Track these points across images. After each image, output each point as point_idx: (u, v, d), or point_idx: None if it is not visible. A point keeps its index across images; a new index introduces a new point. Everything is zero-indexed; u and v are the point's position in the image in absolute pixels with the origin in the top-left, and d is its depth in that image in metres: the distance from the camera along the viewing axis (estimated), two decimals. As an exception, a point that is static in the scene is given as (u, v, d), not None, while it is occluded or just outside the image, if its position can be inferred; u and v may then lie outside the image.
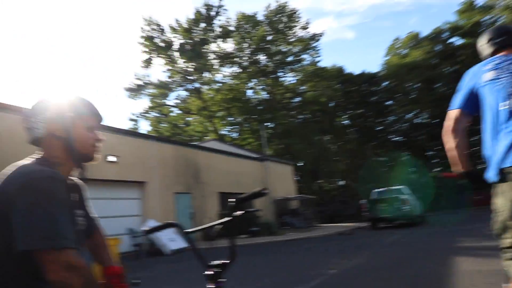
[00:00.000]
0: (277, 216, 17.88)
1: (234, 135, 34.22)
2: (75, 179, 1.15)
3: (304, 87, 32.60)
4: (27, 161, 0.99)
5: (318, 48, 31.72)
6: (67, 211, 0.90)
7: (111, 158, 10.23)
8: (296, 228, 16.74)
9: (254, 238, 12.25)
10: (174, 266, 7.43)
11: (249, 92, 34.46)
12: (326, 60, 51.92)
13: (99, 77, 54.65)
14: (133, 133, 13.57)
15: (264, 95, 33.96)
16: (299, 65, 31.97)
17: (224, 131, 34.26)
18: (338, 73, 32.02)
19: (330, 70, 32.07)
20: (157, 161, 12.10)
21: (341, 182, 32.51)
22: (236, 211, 1.09)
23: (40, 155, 1.02)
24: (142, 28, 29.67)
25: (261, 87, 33.54)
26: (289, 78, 33.20)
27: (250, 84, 32.99)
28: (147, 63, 30.60)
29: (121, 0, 48.26)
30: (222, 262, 1.16)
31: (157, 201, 11.64)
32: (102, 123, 1.14)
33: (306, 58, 32.21)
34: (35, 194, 0.85)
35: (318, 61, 32.77)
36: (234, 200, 1.10)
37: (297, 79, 32.65)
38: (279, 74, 32.33)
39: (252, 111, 28.09)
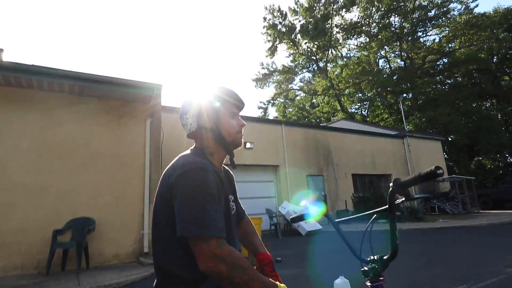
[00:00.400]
0: (423, 200, 15.85)
1: (365, 112, 31.97)
2: (226, 167, 1.26)
3: (453, 45, 26.96)
4: (186, 152, 1.11)
5: (471, -8, 25.42)
6: (217, 200, 0.95)
7: (248, 145, 11.31)
8: (449, 214, 14.41)
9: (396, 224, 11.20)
10: (310, 246, 7.63)
11: (381, 63, 31.28)
12: (485, 4, 41.16)
13: (227, 71, 60.97)
14: (263, 120, 14.50)
15: (399, 63, 30.11)
16: (446, 18, 26.45)
17: (352, 109, 32.49)
18: (504, 17, 24.56)
19: (492, 15, 25.19)
20: (287, 145, 12.59)
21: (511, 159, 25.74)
22: (395, 197, 0.92)
23: (196, 146, 1.14)
24: (264, 18, 31.07)
25: (395, 54, 29.81)
26: (431, 37, 28.16)
27: (381, 53, 29.78)
28: (271, 51, 31.93)
29: (245, -6, 51.74)
30: (381, 257, 1.03)
31: (289, 184, 12.17)
32: (243, 108, 1.20)
33: (456, 7, 26.39)
34: (188, 184, 0.93)
35: (474, 7, 26.24)
36: (394, 183, 0.92)
37: (442, 37, 27.29)
38: (418, 34, 27.76)
39: (386, 83, 25.30)
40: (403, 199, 0.96)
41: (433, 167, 0.81)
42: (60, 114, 6.08)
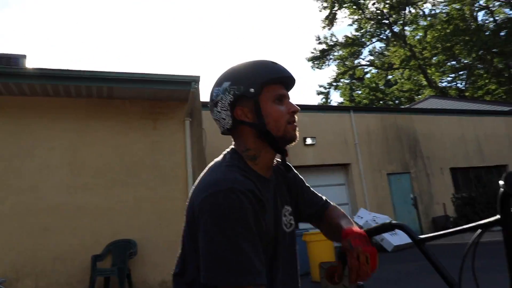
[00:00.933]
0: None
1: (462, 85, 29.44)
2: (280, 166, 1.18)
3: None
4: (218, 158, 1.05)
5: None
6: (253, 233, 0.89)
7: (308, 141, 11.06)
8: None
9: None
10: (399, 267, 7.16)
11: (481, 16, 28.48)
12: None
13: (279, 51, 60.79)
14: (326, 107, 14.13)
15: (508, 13, 27.07)
16: None
17: (444, 82, 30.16)
18: None
19: None
20: (360, 137, 12.07)
21: None
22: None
23: (232, 147, 1.07)
24: (318, -21, 30.24)
25: (500, 1, 26.85)
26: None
27: (481, 3, 27.06)
28: (330, 20, 31.00)
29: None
30: None
31: (365, 186, 11.66)
32: (293, 85, 1.11)
33: None
34: (215, 214, 0.87)
35: None
36: (507, 181, 0.75)
37: None
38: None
39: (490, 42, 22.91)
40: None
41: None
42: (90, 123, 6.50)
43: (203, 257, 0.87)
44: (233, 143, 1.08)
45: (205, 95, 13.40)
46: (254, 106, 1.01)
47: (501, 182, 0.75)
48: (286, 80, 1.07)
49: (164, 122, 6.99)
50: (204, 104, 8.82)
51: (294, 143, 1.06)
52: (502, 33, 24.92)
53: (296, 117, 1.06)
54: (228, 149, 1.07)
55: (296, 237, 1.16)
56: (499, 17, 27.55)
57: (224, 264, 0.83)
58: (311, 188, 1.29)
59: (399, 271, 6.83)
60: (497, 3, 27.28)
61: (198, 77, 6.62)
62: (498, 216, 0.83)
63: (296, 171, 1.25)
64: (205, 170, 1.01)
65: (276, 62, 1.07)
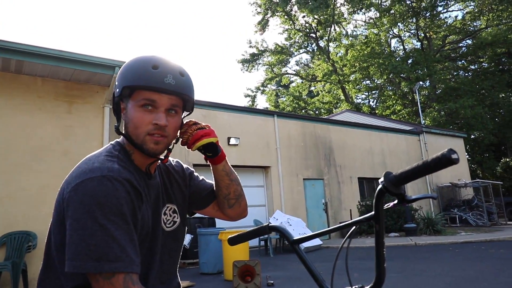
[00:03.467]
0: (442, 209, 16.14)
1: (373, 103, 32.34)
2: (173, 162, 1.20)
3: (478, 23, 27.49)
4: (101, 149, 1.01)
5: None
6: (126, 220, 0.86)
7: (232, 141, 11.12)
8: (472, 226, 14.73)
9: (410, 238, 11.34)
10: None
11: (393, 43, 31.61)
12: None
13: (208, 51, 60.51)
14: (251, 110, 14.36)
15: (415, 44, 30.51)
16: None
17: (358, 99, 32.83)
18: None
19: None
20: (281, 141, 12.49)
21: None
22: (387, 200, 0.78)
23: (117, 140, 1.06)
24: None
25: (410, 33, 30.17)
26: (454, 12, 28.68)
27: (394, 31, 30.09)
28: (262, 26, 31.77)
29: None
30: (362, 287, 0.93)
31: (283, 189, 12.10)
32: (171, 91, 0.95)
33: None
34: (85, 201, 0.83)
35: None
36: (385, 178, 0.79)
37: (466, 13, 27.79)
38: (438, 9, 28.14)
39: (399, 67, 25.61)
40: (395, 202, 0.83)
41: (446, 150, 0.68)
42: (-9, 98, 5.75)
43: (71, 245, 0.81)
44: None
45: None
46: (116, 107, 1.01)
47: (380, 180, 0.80)
48: (159, 87, 0.94)
49: (80, 106, 6.49)
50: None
51: (156, 156, 0.99)
52: (409, 61, 28.00)
53: (163, 131, 0.96)
54: (113, 141, 1.05)
55: (181, 235, 1.15)
56: (408, 47, 30.96)
57: (95, 252, 0.80)
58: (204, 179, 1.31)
59: (306, 271, 7.21)
60: (407, 34, 30.62)
61: (123, 62, 6.28)
62: (372, 213, 0.88)
63: (182, 164, 1.25)
64: (81, 160, 0.96)
65: (158, 66, 0.95)
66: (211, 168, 1.18)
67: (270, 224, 1.16)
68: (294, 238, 1.08)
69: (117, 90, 0.97)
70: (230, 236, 1.27)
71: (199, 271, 7.41)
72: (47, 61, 5.75)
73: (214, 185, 1.24)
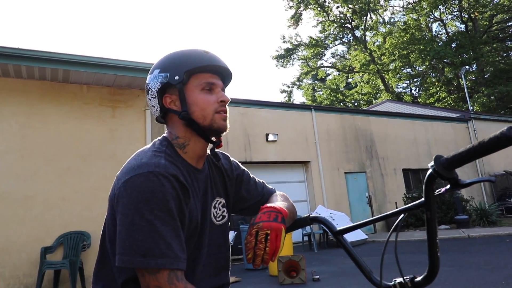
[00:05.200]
0: (496, 199, 15.20)
1: (415, 91, 31.02)
2: (214, 156, 1.14)
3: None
4: (148, 145, 1.02)
5: None
6: (173, 216, 0.88)
7: (271, 137, 11.13)
8: (532, 217, 13.75)
9: (462, 230, 10.77)
10: (351, 261, 7.42)
11: (435, 27, 30.09)
12: None
13: (243, 48, 60.80)
14: (288, 105, 14.30)
15: (458, 26, 28.85)
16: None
17: (399, 88, 31.63)
18: None
19: None
20: (320, 135, 12.34)
21: None
22: (438, 186, 0.74)
23: (164, 135, 1.05)
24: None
25: (453, 15, 28.55)
26: (500, -9, 26.68)
27: (435, 15, 28.62)
28: (295, 20, 31.44)
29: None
30: (411, 279, 0.87)
31: (324, 184, 11.94)
32: (229, 76, 1.10)
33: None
34: (133, 196, 0.85)
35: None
36: (436, 162, 0.73)
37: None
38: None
39: (442, 52, 24.32)
40: (448, 187, 0.77)
41: (506, 128, 0.61)
42: (43, 106, 6.12)
43: (120, 240, 0.85)
44: (166, 131, 1.07)
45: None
46: (179, 93, 1.00)
47: (430, 164, 0.74)
48: (218, 70, 1.04)
49: (123, 111, 6.75)
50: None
51: (224, 133, 1.04)
52: (453, 45, 26.54)
53: (227, 107, 1.04)
54: (159, 137, 1.05)
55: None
56: (451, 30, 29.33)
57: (141, 247, 0.82)
58: (257, 181, 1.24)
59: (353, 265, 7.07)
60: (449, 17, 29.02)
61: (162, 66, 6.45)
62: (422, 200, 0.83)
63: (238, 163, 1.23)
64: (131, 157, 0.98)
65: (208, 51, 1.04)
66: None
67: (311, 215, 1.13)
68: (337, 229, 1.05)
69: (176, 77, 0.99)
70: None
71: (244, 267, 7.50)
72: (91, 69, 6.02)
73: (260, 199, 1.20)
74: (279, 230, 0.94)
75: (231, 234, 7.94)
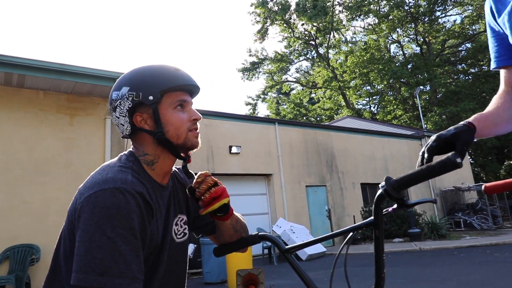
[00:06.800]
0: (446, 213, 16.04)
1: (374, 108, 32.36)
2: (179, 173, 1.15)
3: (477, 27, 27.55)
4: (113, 160, 1.00)
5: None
6: (135, 235, 0.86)
7: (234, 149, 11.14)
8: (477, 229, 14.62)
9: (414, 243, 11.26)
10: (311, 275, 7.53)
11: (393, 48, 31.72)
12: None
13: (209, 60, 60.91)
14: (252, 118, 14.42)
15: (414, 48, 30.60)
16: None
17: (359, 104, 32.86)
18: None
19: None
20: (283, 149, 12.51)
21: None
22: (387, 205, 0.78)
23: (131, 150, 1.03)
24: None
25: (409, 38, 30.27)
26: (452, 17, 28.78)
27: (393, 37, 30.21)
28: (261, 34, 31.98)
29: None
30: None
31: (285, 196, 12.08)
32: (197, 92, 1.08)
33: (479, -17, 27.00)
34: (96, 212, 0.83)
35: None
36: (387, 183, 0.79)
37: (464, 17, 27.89)
38: (436, 14, 28.29)
39: (399, 72, 25.64)
40: (395, 206, 0.84)
41: (451, 153, 0.70)
42: (-6, 112, 5.80)
43: (77, 257, 0.82)
44: (131, 146, 1.04)
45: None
46: (153, 113, 0.98)
47: (381, 184, 0.80)
48: (189, 87, 1.04)
49: (82, 119, 6.54)
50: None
51: (195, 150, 1.05)
52: (409, 66, 28.04)
53: (198, 124, 1.04)
54: (125, 151, 1.03)
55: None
56: (407, 52, 31.04)
57: (100, 266, 0.80)
58: None
59: (315, 279, 7.17)
60: (406, 39, 30.74)
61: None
62: (371, 218, 0.87)
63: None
64: (95, 171, 0.95)
65: (179, 69, 1.04)
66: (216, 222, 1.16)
67: (260, 233, 1.15)
68: (286, 248, 1.07)
69: (150, 97, 0.97)
70: (216, 247, 1.21)
71: (203, 280, 7.39)
72: (49, 75, 5.81)
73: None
74: (225, 189, 1.06)
75: (191, 247, 7.83)
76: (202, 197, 1.03)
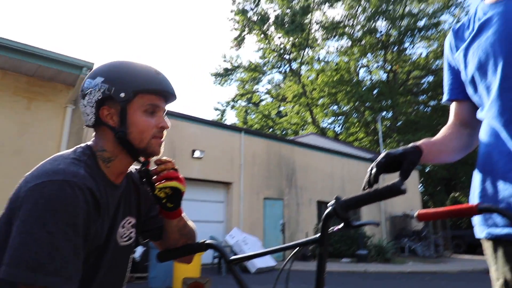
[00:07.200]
0: (393, 238, 16.69)
1: (338, 128, 33.31)
2: (136, 175, 1.12)
3: (440, 62, 29.26)
4: (67, 151, 0.96)
5: (466, 4, 27.97)
6: (78, 232, 0.82)
7: (197, 154, 11.00)
8: (420, 256, 15.34)
9: (360, 265, 11.62)
10: (260, 288, 7.53)
11: (362, 72, 32.91)
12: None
13: (182, 60, 60.23)
14: (219, 124, 14.37)
15: (381, 75, 31.95)
16: (436, 30, 28.70)
17: (325, 123, 33.70)
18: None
19: (483, 37, 28.07)
20: (246, 158, 12.52)
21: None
22: (332, 224, 0.82)
23: (88, 144, 1.00)
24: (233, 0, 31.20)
25: (378, 64, 31.59)
26: (419, 50, 30.39)
27: (363, 61, 31.41)
28: (238, 42, 32.08)
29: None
30: None
31: (243, 207, 12.07)
32: (173, 99, 1.05)
33: (447, 20, 28.91)
34: (40, 204, 0.79)
35: (464, 25, 28.82)
36: (337, 203, 0.83)
37: (430, 51, 29.57)
38: (405, 45, 29.79)
39: (365, 97, 26.63)
40: (340, 226, 0.88)
41: (396, 180, 0.75)
42: None
43: (10, 249, 0.76)
44: (92, 139, 1.01)
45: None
46: (121, 111, 0.95)
47: (330, 203, 0.84)
48: (165, 94, 1.01)
49: (41, 104, 6.23)
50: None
51: (155, 157, 1.03)
52: (375, 91, 29.21)
53: (165, 133, 1.02)
54: (82, 144, 1.00)
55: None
56: (375, 78, 32.36)
57: (34, 260, 0.74)
58: None
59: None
60: (375, 65, 32.06)
61: (92, 64, 6.13)
62: (317, 236, 0.89)
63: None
64: (46, 160, 0.91)
65: (160, 73, 1.01)
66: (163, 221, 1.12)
67: (207, 241, 1.13)
68: (231, 258, 1.06)
69: (122, 94, 0.94)
70: (159, 252, 1.16)
71: (147, 285, 7.19)
72: (10, 54, 5.49)
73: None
74: (184, 180, 1.06)
75: (139, 250, 7.61)
76: (157, 175, 1.02)
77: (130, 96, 0.95)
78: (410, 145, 1.05)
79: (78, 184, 0.83)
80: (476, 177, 1.04)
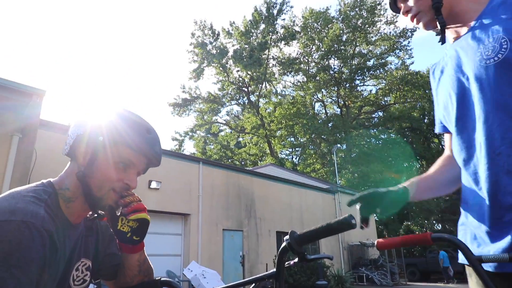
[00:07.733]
0: (351, 267, 16.87)
1: (296, 159, 33.97)
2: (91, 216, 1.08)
3: (388, 99, 31.27)
4: (28, 186, 0.92)
5: (409, 48, 30.44)
6: (32, 270, 0.78)
7: (153, 184, 10.67)
8: (377, 285, 15.57)
9: (322, 295, 11.54)
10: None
11: (317, 106, 34.25)
12: (420, 63, 49.56)
13: (140, 90, 59.62)
14: (177, 154, 14.12)
15: (335, 109, 33.41)
16: (384, 70, 30.90)
17: (283, 154, 34.28)
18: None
19: (425, 75, 30.45)
20: (204, 189, 12.32)
21: (439, 226, 29.82)
22: (289, 257, 0.84)
23: (51, 180, 0.97)
24: (192, 33, 31.79)
25: (332, 99, 33.09)
26: (369, 87, 32.37)
27: (319, 96, 32.76)
28: (197, 73, 32.40)
29: (171, 3, 52.78)
30: None
31: (201, 239, 11.73)
32: (152, 164, 1.02)
33: (393, 61, 31.15)
34: None
35: (410, 64, 31.40)
36: (291, 237, 0.84)
37: (379, 89, 31.55)
38: (356, 82, 31.61)
39: (320, 129, 27.61)
40: (296, 260, 0.90)
41: (347, 215, 0.79)
42: None
43: None
44: (61, 173, 0.98)
45: (46, 113, 11.80)
46: (93, 153, 0.94)
47: (285, 237, 0.85)
48: (146, 155, 0.99)
49: (-16, 132, 5.81)
50: (43, 123, 7.76)
51: (109, 210, 0.99)
52: (330, 124, 30.40)
53: (128, 192, 0.99)
54: (45, 180, 0.95)
55: None
56: (329, 111, 33.79)
57: None
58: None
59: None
60: (329, 100, 33.57)
61: (44, 91, 5.89)
62: (273, 270, 0.90)
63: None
64: (4, 194, 0.87)
65: (152, 132, 1.00)
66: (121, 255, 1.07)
67: (162, 278, 1.10)
68: None
69: (101, 138, 0.94)
70: None
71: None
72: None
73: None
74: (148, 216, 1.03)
75: (90, 288, 7.07)
76: (126, 207, 0.98)
77: (107, 143, 0.93)
78: (400, 185, 1.10)
79: (36, 226, 0.80)
80: (462, 206, 1.09)
